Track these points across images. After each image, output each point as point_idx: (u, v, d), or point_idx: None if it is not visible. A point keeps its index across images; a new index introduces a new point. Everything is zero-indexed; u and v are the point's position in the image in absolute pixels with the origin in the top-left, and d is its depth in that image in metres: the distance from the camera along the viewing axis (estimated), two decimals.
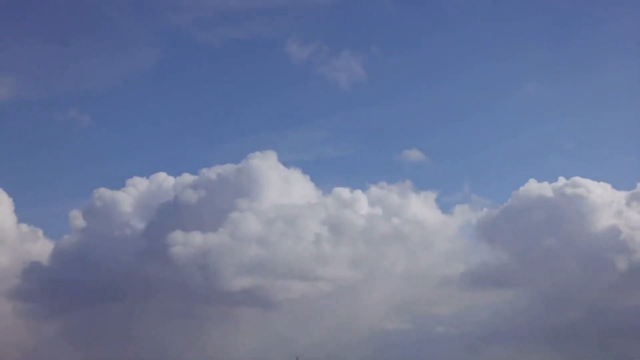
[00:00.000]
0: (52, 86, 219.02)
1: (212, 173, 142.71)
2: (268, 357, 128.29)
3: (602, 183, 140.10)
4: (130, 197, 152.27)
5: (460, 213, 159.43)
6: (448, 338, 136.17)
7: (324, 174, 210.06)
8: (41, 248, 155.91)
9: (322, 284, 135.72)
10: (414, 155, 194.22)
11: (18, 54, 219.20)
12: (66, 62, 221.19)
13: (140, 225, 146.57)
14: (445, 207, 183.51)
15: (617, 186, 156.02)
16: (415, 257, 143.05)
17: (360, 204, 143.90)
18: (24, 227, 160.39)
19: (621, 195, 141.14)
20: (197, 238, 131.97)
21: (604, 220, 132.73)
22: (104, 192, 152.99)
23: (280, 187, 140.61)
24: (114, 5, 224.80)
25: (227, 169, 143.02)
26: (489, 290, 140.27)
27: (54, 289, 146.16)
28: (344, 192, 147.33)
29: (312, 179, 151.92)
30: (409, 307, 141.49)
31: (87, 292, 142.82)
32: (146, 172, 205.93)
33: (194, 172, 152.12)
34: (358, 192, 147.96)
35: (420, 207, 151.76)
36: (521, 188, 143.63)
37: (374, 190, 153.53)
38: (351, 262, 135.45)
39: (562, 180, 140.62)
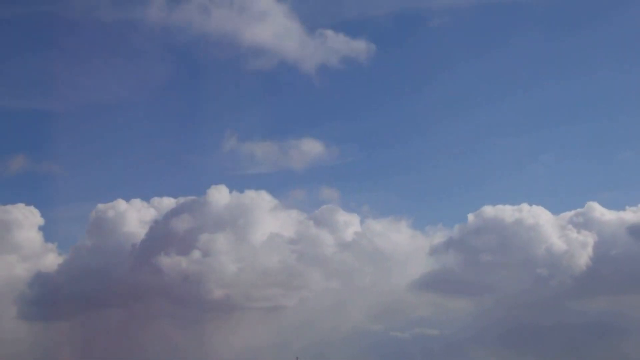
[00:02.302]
0: (66, 98, 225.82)
1: (208, 197, 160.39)
2: (261, 357, 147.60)
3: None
4: (130, 214, 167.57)
5: (431, 232, 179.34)
6: (425, 338, 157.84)
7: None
8: (54, 261, 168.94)
9: (304, 293, 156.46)
10: None
11: (35, 67, 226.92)
12: (79, 74, 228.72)
13: (138, 241, 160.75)
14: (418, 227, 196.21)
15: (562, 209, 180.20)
16: (391, 270, 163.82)
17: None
18: (45, 242, 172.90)
19: (564, 217, 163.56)
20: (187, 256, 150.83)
21: (549, 240, 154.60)
22: (105, 208, 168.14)
23: (269, 219, 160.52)
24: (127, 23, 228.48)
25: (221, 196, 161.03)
26: (456, 298, 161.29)
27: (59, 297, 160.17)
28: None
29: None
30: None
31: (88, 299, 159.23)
32: (148, 190, 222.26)
33: (197, 191, 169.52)
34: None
35: (396, 227, 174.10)
36: (478, 210, 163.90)
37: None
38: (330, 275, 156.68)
39: (511, 207, 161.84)
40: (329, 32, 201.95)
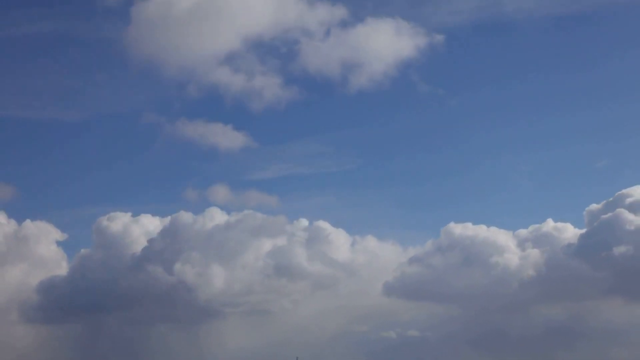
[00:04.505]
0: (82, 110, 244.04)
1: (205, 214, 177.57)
2: (256, 357, 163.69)
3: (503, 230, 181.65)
4: (131, 226, 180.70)
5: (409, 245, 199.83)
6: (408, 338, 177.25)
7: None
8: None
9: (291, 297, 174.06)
10: None
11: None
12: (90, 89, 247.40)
13: (136, 252, 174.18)
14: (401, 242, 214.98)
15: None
16: (372, 280, 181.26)
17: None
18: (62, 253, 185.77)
19: (519, 235, 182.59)
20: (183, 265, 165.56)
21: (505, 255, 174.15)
22: (107, 220, 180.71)
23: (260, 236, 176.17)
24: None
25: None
26: (430, 304, 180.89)
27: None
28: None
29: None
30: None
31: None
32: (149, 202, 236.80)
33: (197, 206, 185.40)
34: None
35: (379, 239, 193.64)
36: (445, 227, 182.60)
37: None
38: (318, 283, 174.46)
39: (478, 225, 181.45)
40: None
